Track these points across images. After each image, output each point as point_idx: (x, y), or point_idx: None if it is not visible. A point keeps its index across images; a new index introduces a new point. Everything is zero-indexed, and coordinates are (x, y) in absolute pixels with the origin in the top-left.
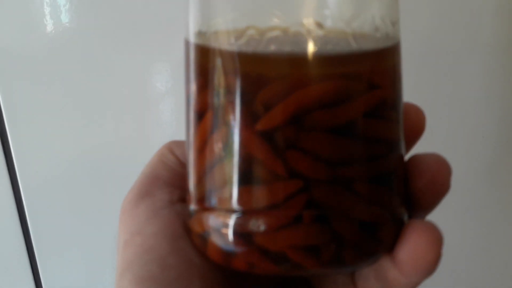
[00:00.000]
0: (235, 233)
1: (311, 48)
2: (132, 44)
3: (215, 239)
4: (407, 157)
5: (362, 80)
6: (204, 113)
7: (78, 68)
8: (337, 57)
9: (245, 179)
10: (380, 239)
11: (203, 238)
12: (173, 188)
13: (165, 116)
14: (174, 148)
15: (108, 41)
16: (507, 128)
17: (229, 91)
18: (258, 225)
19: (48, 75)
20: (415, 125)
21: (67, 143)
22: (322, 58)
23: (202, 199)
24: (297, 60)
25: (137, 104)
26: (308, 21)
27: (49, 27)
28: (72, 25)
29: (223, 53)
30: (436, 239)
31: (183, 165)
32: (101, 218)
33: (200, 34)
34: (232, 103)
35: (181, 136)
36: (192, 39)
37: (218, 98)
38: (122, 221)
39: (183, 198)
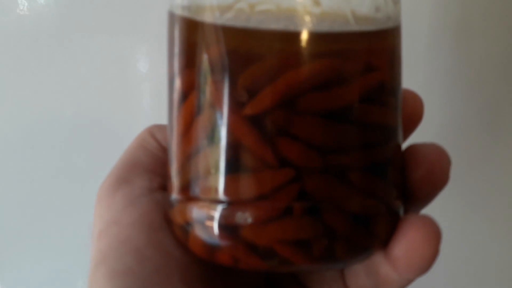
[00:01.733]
0: (220, 225)
1: (304, 23)
2: (110, 25)
3: (198, 231)
4: (404, 146)
5: (359, 61)
6: (188, 94)
7: (54, 49)
8: (332, 35)
9: (232, 167)
10: (374, 233)
11: (185, 230)
12: (154, 175)
13: (146, 99)
14: (155, 132)
15: (85, 21)
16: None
17: (215, 70)
18: (245, 217)
19: (22, 58)
20: (412, 113)
21: (37, 127)
22: (316, 35)
23: (184, 188)
24: (289, 36)
25: (116, 86)
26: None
27: (22, 9)
28: (46, 5)
29: (208, 27)
30: (434, 234)
31: (164, 150)
32: (70, 208)
33: (185, 6)
34: (218, 83)
35: (162, 119)
36: (177, 11)
37: (203, 77)
38: (97, 209)
39: (164, 186)
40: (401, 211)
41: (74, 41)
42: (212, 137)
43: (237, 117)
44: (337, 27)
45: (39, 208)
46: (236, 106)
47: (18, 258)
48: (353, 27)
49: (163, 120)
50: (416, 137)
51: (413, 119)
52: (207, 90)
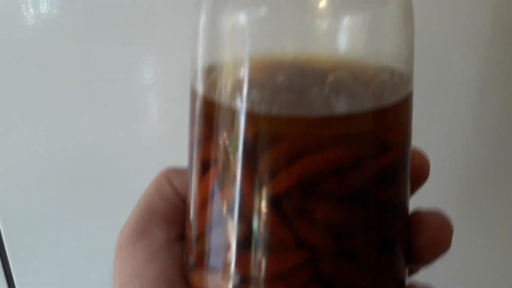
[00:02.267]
0: None
1: (322, 108)
2: (117, 35)
3: None
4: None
5: (375, 142)
6: (208, 165)
7: (60, 59)
8: (349, 117)
9: (249, 245)
10: None
11: None
12: (171, 225)
13: (151, 107)
14: (172, 177)
15: (91, 31)
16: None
17: (236, 151)
18: None
19: (27, 67)
20: (419, 172)
21: (44, 138)
22: (334, 119)
23: (202, 256)
24: (307, 121)
25: (122, 95)
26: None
27: (29, 18)
28: (53, 16)
29: (230, 110)
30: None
31: (181, 197)
32: (81, 223)
33: (205, 84)
34: (239, 163)
35: (167, 128)
36: (199, 89)
37: (224, 156)
38: (118, 260)
39: (180, 235)
40: (406, 276)
41: (80, 50)
42: (231, 213)
43: (256, 197)
44: (352, 107)
45: (51, 227)
46: (256, 186)
47: (35, 275)
48: (368, 104)
49: (168, 130)
50: None
51: (420, 177)
52: (228, 168)
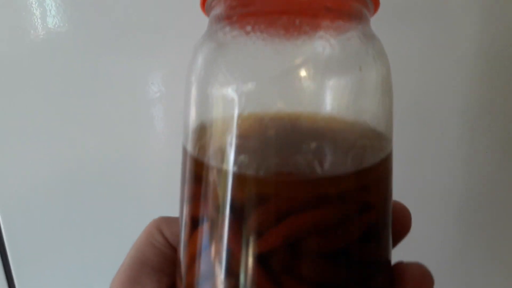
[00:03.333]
0: None
1: (306, 171)
2: (124, 48)
3: None
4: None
5: (356, 202)
6: (198, 222)
7: (68, 72)
8: (331, 179)
9: None
10: None
11: None
12: (162, 275)
13: (158, 121)
14: (163, 227)
15: (97, 45)
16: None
17: (224, 210)
18: None
19: (34, 81)
20: (401, 225)
21: (51, 147)
22: (317, 182)
23: None
24: (292, 183)
25: (129, 108)
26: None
27: (37, 32)
28: (60, 30)
29: (218, 172)
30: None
31: (172, 248)
32: (82, 228)
33: (197, 140)
34: (226, 222)
35: (173, 141)
36: (189, 148)
37: (213, 215)
38: None
39: (172, 285)
40: None
41: (87, 64)
42: (220, 269)
43: (246, 255)
44: (335, 169)
45: (54, 236)
46: (244, 244)
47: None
48: (349, 167)
49: (174, 142)
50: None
51: (402, 230)
52: (216, 226)
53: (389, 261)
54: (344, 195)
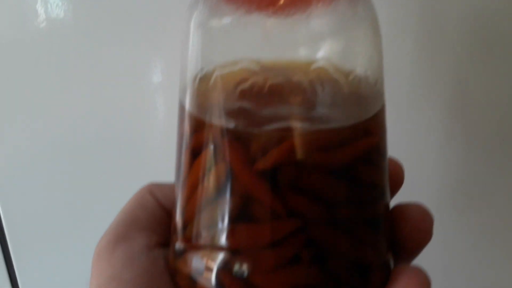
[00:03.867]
0: (229, 273)
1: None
2: (125, 38)
3: (206, 279)
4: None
5: (359, 127)
6: (198, 152)
7: (68, 63)
8: (328, 130)
9: (244, 218)
10: (371, 281)
11: (191, 279)
12: (151, 232)
13: (159, 110)
14: (154, 191)
15: (100, 35)
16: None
17: (225, 134)
18: (256, 264)
19: (39, 69)
20: (395, 178)
21: (53, 138)
22: (314, 132)
23: (195, 237)
24: (288, 134)
25: (130, 98)
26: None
27: (39, 22)
28: (63, 19)
29: (214, 128)
30: (425, 283)
31: (163, 209)
32: (83, 218)
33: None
34: (228, 145)
35: (173, 129)
36: (187, 102)
37: (216, 137)
38: (96, 265)
39: (161, 243)
40: (392, 264)
41: (89, 54)
42: (223, 190)
43: (249, 172)
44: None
45: (59, 215)
46: (250, 162)
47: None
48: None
49: (175, 129)
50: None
51: (396, 182)
52: (218, 149)
53: (387, 196)
54: (344, 131)
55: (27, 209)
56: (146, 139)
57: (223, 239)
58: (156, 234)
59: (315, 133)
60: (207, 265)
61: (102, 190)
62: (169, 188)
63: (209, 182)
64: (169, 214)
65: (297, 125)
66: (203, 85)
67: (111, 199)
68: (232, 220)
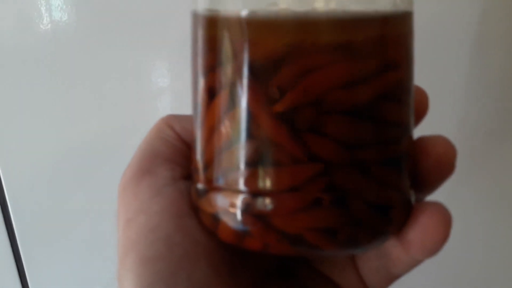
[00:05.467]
0: (250, 212)
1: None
2: (129, 40)
3: (228, 218)
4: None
5: (380, 57)
6: (216, 92)
7: (72, 65)
8: (354, 21)
9: (263, 161)
10: (392, 220)
11: (215, 217)
12: (175, 165)
13: (164, 113)
14: (173, 123)
15: (104, 37)
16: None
17: (244, 71)
18: (277, 206)
19: (41, 73)
20: (419, 106)
21: (58, 140)
22: (339, 22)
23: (214, 179)
24: (312, 25)
25: (134, 100)
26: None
27: (44, 24)
28: (67, 21)
29: (233, 22)
30: (446, 219)
31: (183, 141)
32: (90, 216)
33: (210, 9)
34: (250, 82)
35: None
36: (202, 11)
37: (233, 78)
38: (123, 198)
39: (185, 175)
40: (413, 199)
41: (92, 56)
42: (243, 133)
43: (269, 114)
44: (358, 14)
45: (62, 221)
46: (268, 104)
47: (46, 266)
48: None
49: None
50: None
51: (419, 112)
52: (239, 88)
53: (411, 131)
54: (366, 47)
55: (37, 208)
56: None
57: (243, 183)
58: (180, 166)
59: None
60: (230, 205)
61: (107, 189)
62: (186, 120)
63: (228, 124)
64: (189, 146)
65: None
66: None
67: (114, 199)
68: (250, 163)
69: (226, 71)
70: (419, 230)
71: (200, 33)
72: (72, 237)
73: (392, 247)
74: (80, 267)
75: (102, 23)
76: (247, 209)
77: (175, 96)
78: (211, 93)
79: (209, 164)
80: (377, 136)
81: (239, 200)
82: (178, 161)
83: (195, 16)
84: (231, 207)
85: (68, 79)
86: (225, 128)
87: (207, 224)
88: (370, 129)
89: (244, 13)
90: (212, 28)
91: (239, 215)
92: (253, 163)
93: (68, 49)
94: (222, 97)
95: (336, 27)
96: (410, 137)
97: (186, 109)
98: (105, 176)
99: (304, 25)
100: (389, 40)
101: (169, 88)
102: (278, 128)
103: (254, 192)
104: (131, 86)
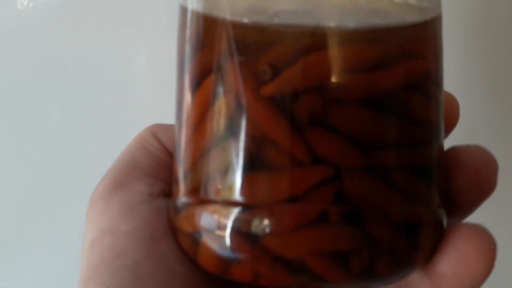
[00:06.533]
0: (239, 233)
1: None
2: (109, 20)
3: (210, 240)
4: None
5: (404, 43)
6: (201, 80)
7: (52, 45)
8: (371, 30)
9: (254, 164)
10: (420, 244)
11: (195, 239)
12: (155, 179)
13: (144, 95)
14: (158, 133)
15: (84, 17)
16: None
17: (233, 51)
18: (269, 223)
19: (20, 53)
20: (449, 114)
21: (33, 127)
22: (352, 31)
23: (196, 189)
24: (318, 32)
25: (115, 82)
26: None
27: (23, 3)
28: (48, 2)
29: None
30: (489, 247)
31: (168, 153)
32: (69, 220)
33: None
34: (237, 64)
35: (160, 116)
36: (193, 5)
37: (220, 60)
38: (90, 215)
39: (167, 192)
40: (445, 221)
41: (73, 37)
42: (230, 128)
43: (259, 102)
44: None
45: (38, 209)
46: (258, 88)
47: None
48: (393, 18)
49: (161, 117)
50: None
51: (450, 120)
52: (225, 73)
53: (441, 137)
54: (386, 35)
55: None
56: (130, 128)
57: (228, 193)
58: (161, 181)
59: (350, 37)
60: (212, 222)
61: (79, 181)
62: (173, 130)
63: (213, 118)
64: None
65: (326, 26)
66: None
67: (88, 193)
68: (241, 168)
69: (213, 54)
70: (453, 260)
71: (190, 24)
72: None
73: (418, 282)
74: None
75: (80, 3)
76: (234, 227)
77: (155, 78)
78: (195, 83)
79: (189, 170)
80: (401, 135)
81: (223, 215)
82: (160, 175)
83: (183, 9)
84: (214, 225)
85: (48, 59)
86: (209, 122)
87: (186, 247)
88: (392, 126)
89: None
90: (205, 22)
91: (223, 236)
92: (243, 167)
93: (48, 32)
94: (207, 86)
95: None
96: (441, 144)
97: (168, 94)
98: (81, 165)
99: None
100: (416, 38)
101: (148, 70)
102: (272, 120)
103: (244, 204)
104: (110, 68)
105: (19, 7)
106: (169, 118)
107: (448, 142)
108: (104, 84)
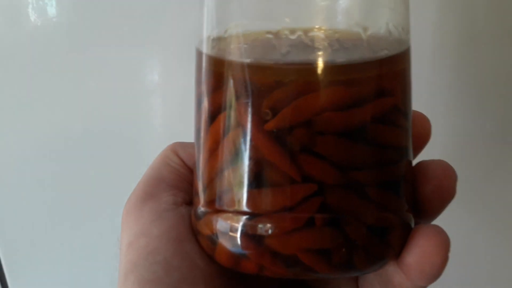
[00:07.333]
0: (246, 235)
1: (322, 57)
2: (121, 36)
3: (225, 241)
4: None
5: (374, 86)
6: (215, 116)
7: (64, 61)
8: (348, 65)
9: (258, 182)
10: (389, 243)
11: (212, 240)
12: (178, 190)
13: (155, 110)
14: (178, 150)
15: (96, 35)
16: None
17: (241, 95)
18: (270, 227)
19: (32, 69)
20: (421, 133)
21: (47, 139)
22: (334, 67)
23: (212, 201)
24: (308, 69)
25: (126, 97)
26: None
27: (34, 21)
28: (58, 19)
29: (235, 64)
30: (444, 242)
31: (187, 168)
32: (79, 225)
33: (211, 40)
34: (244, 106)
35: (171, 131)
36: (204, 49)
37: (230, 101)
38: (126, 222)
39: (188, 201)
40: (412, 223)
41: (84, 52)
42: (240, 154)
43: (262, 134)
44: (351, 56)
45: (56, 216)
46: (261, 124)
47: (36, 266)
48: (367, 51)
49: (171, 131)
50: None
51: (421, 138)
52: (234, 112)
53: (409, 156)
54: (361, 80)
55: (20, 212)
56: (142, 141)
57: (239, 204)
58: (183, 191)
59: (334, 69)
60: (226, 227)
61: (96, 193)
62: (192, 147)
63: (226, 146)
64: (192, 172)
65: (316, 63)
66: (221, 40)
67: (104, 201)
68: (247, 185)
69: (225, 96)
70: (417, 254)
71: (205, 66)
72: (57, 243)
73: (393, 273)
74: (64, 276)
75: (93, 21)
76: (243, 231)
77: (165, 93)
78: (211, 117)
79: (207, 186)
80: (372, 158)
81: (235, 222)
82: (181, 187)
83: (199, 52)
84: (227, 229)
85: (58, 76)
86: (222, 149)
87: (205, 246)
88: (364, 151)
89: (244, 59)
90: (217, 65)
91: (235, 237)
92: (249, 184)
93: (58, 47)
94: (221, 119)
95: (330, 72)
96: (409, 161)
97: (178, 108)
98: (96, 175)
99: (301, 71)
100: (384, 76)
101: (159, 85)
102: (272, 148)
103: (250, 213)
104: (122, 83)
105: (31, 23)
106: (181, 129)
107: (421, 156)
108: (116, 98)
